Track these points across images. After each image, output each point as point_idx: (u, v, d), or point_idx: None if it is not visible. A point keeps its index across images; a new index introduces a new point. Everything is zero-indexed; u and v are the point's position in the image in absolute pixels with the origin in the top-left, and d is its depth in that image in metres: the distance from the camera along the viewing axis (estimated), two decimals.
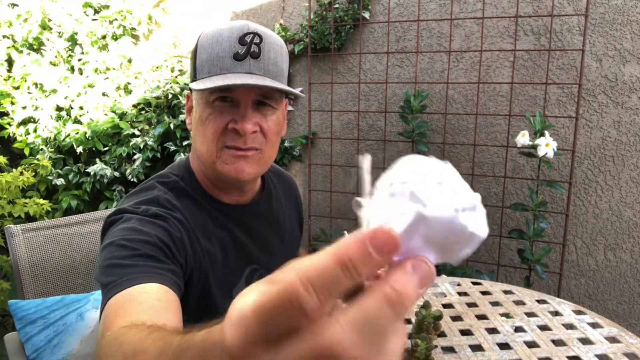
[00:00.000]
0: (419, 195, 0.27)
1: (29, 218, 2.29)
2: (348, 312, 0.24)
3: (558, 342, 1.01)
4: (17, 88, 2.60)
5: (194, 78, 0.88)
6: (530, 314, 1.14)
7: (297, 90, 0.90)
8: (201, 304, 0.89)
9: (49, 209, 2.26)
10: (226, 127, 0.85)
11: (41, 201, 2.19)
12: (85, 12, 2.72)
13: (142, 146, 2.38)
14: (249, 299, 0.25)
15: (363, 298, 0.24)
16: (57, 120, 2.54)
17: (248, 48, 0.84)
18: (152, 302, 0.66)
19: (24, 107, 2.55)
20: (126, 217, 0.81)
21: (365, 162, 0.29)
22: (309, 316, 0.24)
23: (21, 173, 2.14)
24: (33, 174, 2.24)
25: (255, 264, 1.00)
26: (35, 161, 2.45)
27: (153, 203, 0.86)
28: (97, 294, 1.27)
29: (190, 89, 0.93)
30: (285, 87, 0.87)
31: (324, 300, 0.24)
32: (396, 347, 0.26)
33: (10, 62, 2.66)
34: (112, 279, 0.70)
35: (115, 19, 2.72)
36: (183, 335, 0.38)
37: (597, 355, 0.95)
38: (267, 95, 0.87)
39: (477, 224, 0.27)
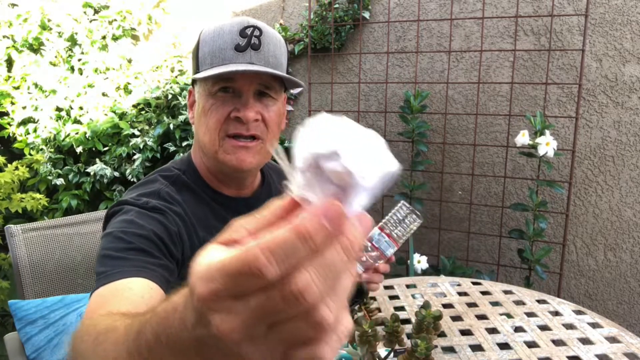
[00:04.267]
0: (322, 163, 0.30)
1: (27, 215, 2.29)
2: (315, 262, 0.27)
3: (558, 342, 1.01)
4: (17, 88, 2.60)
5: (197, 71, 0.91)
6: (530, 314, 1.14)
7: (297, 81, 0.93)
8: None
9: (46, 204, 2.26)
10: (228, 116, 0.88)
11: (38, 195, 2.19)
12: (84, 12, 2.72)
13: (141, 146, 2.38)
14: (213, 257, 0.28)
15: (326, 250, 0.28)
16: (56, 121, 2.54)
17: (249, 40, 0.87)
18: (134, 298, 0.68)
19: (24, 107, 2.55)
20: (126, 209, 0.84)
21: (278, 151, 0.32)
22: (270, 282, 0.27)
23: (16, 168, 2.15)
24: (28, 170, 2.24)
25: None
26: (30, 157, 2.45)
27: (154, 196, 0.88)
28: None
29: (192, 83, 0.96)
30: (286, 75, 0.90)
31: (283, 268, 0.27)
32: (348, 284, 0.30)
33: (10, 62, 2.66)
34: (103, 269, 0.73)
35: (115, 20, 2.72)
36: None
37: (597, 355, 0.95)
38: (268, 86, 0.90)
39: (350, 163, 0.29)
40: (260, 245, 0.27)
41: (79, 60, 2.63)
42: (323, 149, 0.30)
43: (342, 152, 0.29)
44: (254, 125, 0.89)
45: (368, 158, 0.30)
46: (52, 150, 2.52)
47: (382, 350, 0.92)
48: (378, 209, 2.42)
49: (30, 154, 2.53)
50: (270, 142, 0.94)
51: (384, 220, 1.06)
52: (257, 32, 0.88)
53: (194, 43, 0.94)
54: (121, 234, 0.78)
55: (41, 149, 2.52)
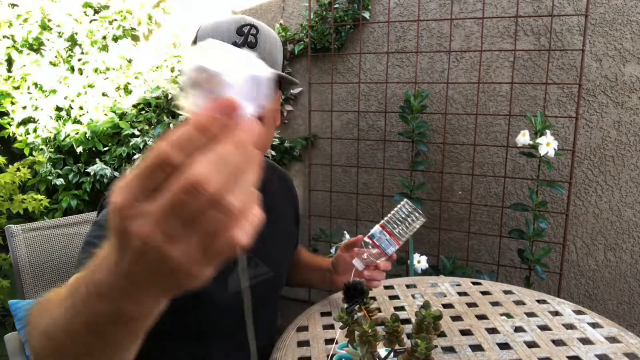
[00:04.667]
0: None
1: (28, 215, 2.30)
2: (207, 154, 0.31)
3: (558, 342, 1.01)
4: (17, 88, 2.60)
5: None
6: (530, 314, 1.14)
7: (292, 80, 0.94)
8: (191, 291, 0.90)
9: (47, 205, 2.26)
10: None
11: (39, 197, 2.19)
12: (85, 12, 2.72)
13: (142, 146, 2.38)
14: (132, 173, 0.33)
15: (220, 144, 0.31)
16: (56, 120, 2.54)
17: (245, 38, 0.89)
18: None
19: (24, 107, 2.55)
20: None
21: (166, 81, 0.36)
22: (176, 166, 0.31)
23: (18, 169, 2.15)
24: (29, 171, 2.25)
25: (250, 252, 1.02)
26: (31, 158, 2.45)
27: None
28: None
29: None
30: (282, 73, 0.92)
31: (186, 153, 0.31)
32: (251, 178, 0.33)
33: (10, 62, 2.66)
34: (83, 255, 0.77)
35: (115, 20, 2.72)
36: None
37: (597, 355, 0.95)
38: None
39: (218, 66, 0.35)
40: (166, 140, 0.31)
41: (79, 60, 2.63)
42: (195, 63, 0.34)
43: (209, 62, 0.34)
44: None
45: (233, 63, 0.35)
46: (52, 150, 2.52)
47: (382, 350, 0.92)
48: (378, 209, 2.42)
49: (32, 155, 2.53)
50: (265, 136, 0.96)
51: (385, 219, 1.06)
52: (253, 31, 0.90)
53: (192, 37, 0.96)
54: (105, 223, 0.81)
55: (41, 149, 2.52)
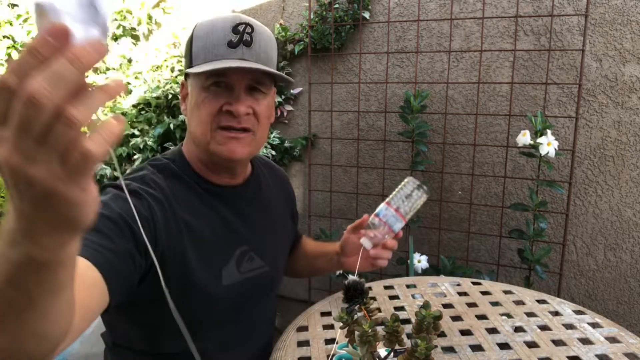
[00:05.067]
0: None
1: None
2: (44, 72, 0.33)
3: (558, 342, 1.01)
4: None
5: (190, 65, 0.94)
6: (530, 314, 1.14)
7: (287, 77, 0.96)
8: (184, 283, 0.90)
9: None
10: (220, 109, 0.91)
11: None
12: None
13: (141, 146, 2.38)
14: None
15: (54, 62, 0.33)
16: None
17: (241, 37, 0.91)
18: None
19: None
20: (106, 191, 0.87)
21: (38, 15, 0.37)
22: (13, 88, 0.33)
23: None
24: None
25: (245, 246, 1.03)
26: None
27: (137, 180, 0.90)
28: None
29: (185, 76, 1.00)
30: (277, 72, 0.94)
31: (20, 75, 0.33)
32: (98, 96, 0.35)
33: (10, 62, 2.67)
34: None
35: (115, 19, 2.72)
36: None
37: (597, 355, 0.95)
38: (259, 81, 0.93)
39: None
40: (6, 68, 0.34)
41: None
42: (33, 5, 0.36)
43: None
44: (245, 119, 0.91)
45: None
46: None
47: (382, 350, 0.92)
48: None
49: None
50: (261, 134, 0.97)
51: (390, 196, 1.07)
52: (249, 29, 0.92)
53: (187, 37, 0.98)
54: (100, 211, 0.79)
55: None
